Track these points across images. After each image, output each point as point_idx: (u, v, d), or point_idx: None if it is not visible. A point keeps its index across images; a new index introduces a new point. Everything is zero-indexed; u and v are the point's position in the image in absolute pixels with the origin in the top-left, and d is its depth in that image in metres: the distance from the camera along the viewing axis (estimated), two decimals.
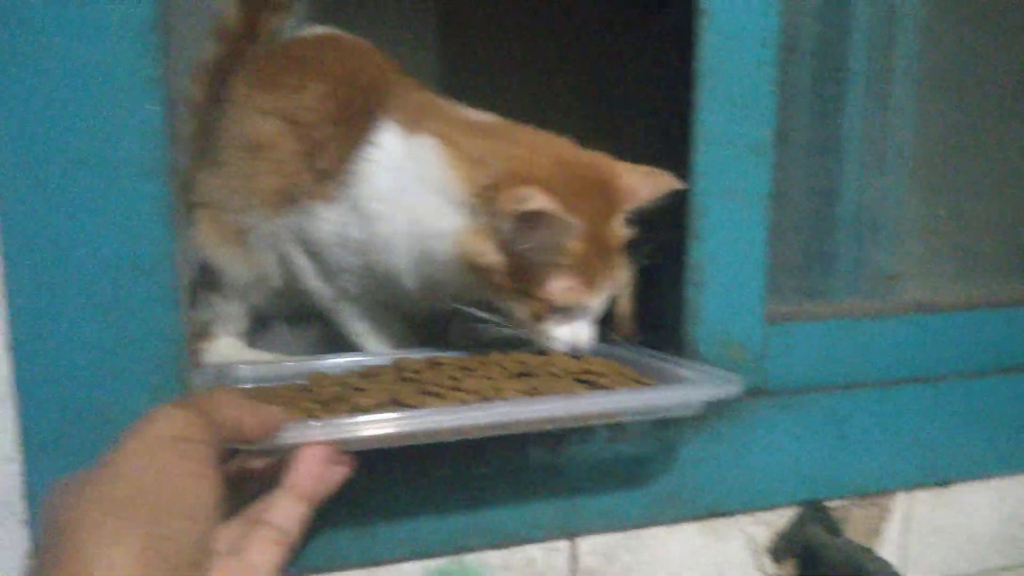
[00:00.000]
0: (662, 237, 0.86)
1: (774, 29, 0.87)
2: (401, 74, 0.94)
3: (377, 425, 0.65)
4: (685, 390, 0.77)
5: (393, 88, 0.89)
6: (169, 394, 0.74)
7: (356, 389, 0.76)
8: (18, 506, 0.73)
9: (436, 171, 0.81)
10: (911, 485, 1.05)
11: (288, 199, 0.87)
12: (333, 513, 0.78)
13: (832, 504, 1.01)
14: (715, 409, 0.89)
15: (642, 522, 0.92)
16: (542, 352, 0.83)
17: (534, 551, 0.89)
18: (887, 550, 1.05)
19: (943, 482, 1.06)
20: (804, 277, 1.04)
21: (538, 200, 0.73)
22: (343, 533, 0.81)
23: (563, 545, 0.90)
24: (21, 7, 0.66)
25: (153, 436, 0.50)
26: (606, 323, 0.88)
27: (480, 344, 0.85)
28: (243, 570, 0.56)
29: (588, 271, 0.79)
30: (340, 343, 0.95)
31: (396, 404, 0.71)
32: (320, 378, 0.79)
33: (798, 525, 0.99)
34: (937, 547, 1.08)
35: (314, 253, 0.88)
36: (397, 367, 0.80)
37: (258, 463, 0.68)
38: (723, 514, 0.96)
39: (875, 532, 1.05)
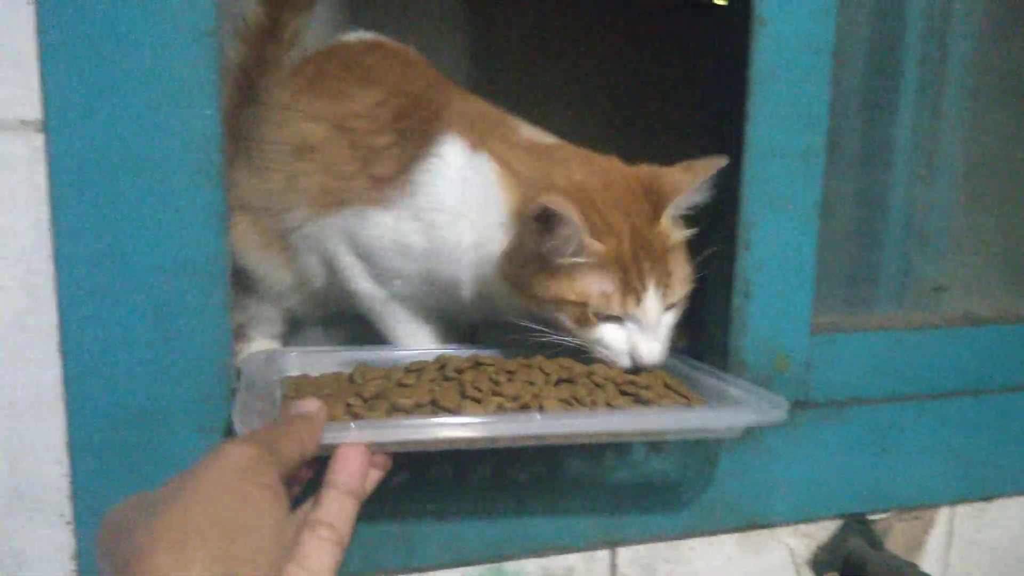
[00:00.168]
0: (710, 246, 0.85)
1: (829, 36, 0.86)
2: (450, 82, 0.94)
3: (412, 430, 0.67)
4: (729, 415, 0.76)
5: (451, 99, 0.89)
6: (218, 398, 0.75)
7: (399, 385, 0.76)
8: (65, 507, 0.73)
9: (491, 191, 0.82)
10: (954, 499, 1.03)
11: (336, 201, 0.87)
12: (373, 518, 0.78)
13: (874, 517, 0.99)
14: None
15: (682, 533, 0.92)
16: (588, 359, 0.81)
17: (574, 560, 0.89)
18: (929, 565, 1.03)
19: (987, 497, 1.04)
20: (850, 287, 1.02)
21: (545, 200, 0.73)
22: (383, 538, 0.81)
23: (603, 555, 0.89)
24: (84, 13, 0.66)
25: (224, 466, 0.52)
26: None
27: (525, 346, 0.84)
28: (304, 575, 0.56)
29: (626, 275, 0.77)
30: (374, 344, 0.94)
31: (435, 406, 0.71)
32: (365, 370, 0.80)
33: (840, 538, 0.98)
34: (979, 562, 1.06)
35: (364, 256, 0.87)
36: (440, 364, 0.80)
37: (305, 470, 0.68)
38: (763, 526, 0.95)
39: (917, 546, 1.03)
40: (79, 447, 0.72)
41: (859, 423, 0.96)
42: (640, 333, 0.79)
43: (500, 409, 0.71)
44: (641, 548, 0.91)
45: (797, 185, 0.88)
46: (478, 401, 0.72)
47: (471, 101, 0.90)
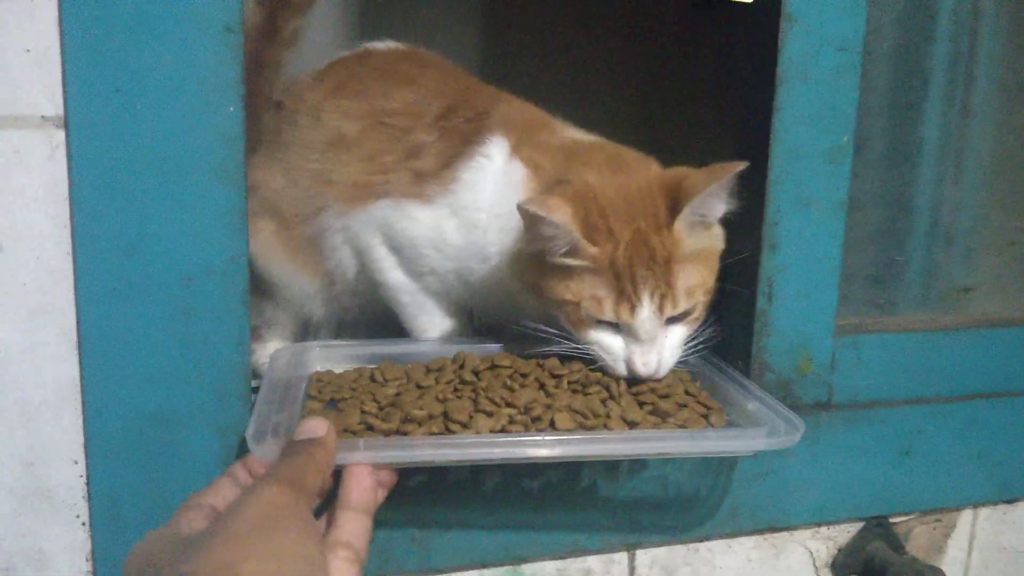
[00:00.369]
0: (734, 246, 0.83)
1: (859, 34, 0.84)
2: (492, 87, 0.93)
3: (415, 450, 0.68)
4: (743, 441, 0.75)
5: (497, 101, 0.89)
6: (235, 399, 0.74)
7: (418, 386, 0.77)
8: (81, 507, 0.73)
9: (519, 195, 0.80)
10: (977, 502, 1.02)
11: (373, 193, 0.86)
12: (390, 519, 0.78)
13: (895, 520, 0.98)
14: None
15: (701, 535, 0.91)
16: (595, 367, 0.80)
17: (592, 562, 0.88)
18: (950, 568, 1.03)
19: (1010, 499, 1.03)
20: (875, 288, 1.01)
21: (522, 202, 0.73)
22: (400, 539, 0.81)
23: (621, 557, 0.89)
24: (106, 8, 0.65)
25: (262, 505, 0.54)
26: None
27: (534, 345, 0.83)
28: None
29: (619, 281, 0.75)
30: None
31: (446, 418, 0.71)
32: (386, 369, 0.81)
33: (861, 541, 0.97)
34: (1001, 566, 1.05)
35: (398, 248, 0.87)
36: (459, 363, 0.81)
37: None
38: (783, 529, 0.94)
39: (938, 549, 1.02)
40: (95, 448, 0.72)
41: (882, 425, 0.94)
42: (636, 343, 0.76)
43: (511, 422, 0.71)
44: (660, 551, 0.90)
45: (824, 185, 0.87)
46: (489, 414, 0.72)
47: (517, 104, 0.90)
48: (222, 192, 0.69)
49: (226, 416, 0.74)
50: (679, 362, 0.80)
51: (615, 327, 0.76)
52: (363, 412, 0.72)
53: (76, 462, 0.72)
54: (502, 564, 0.84)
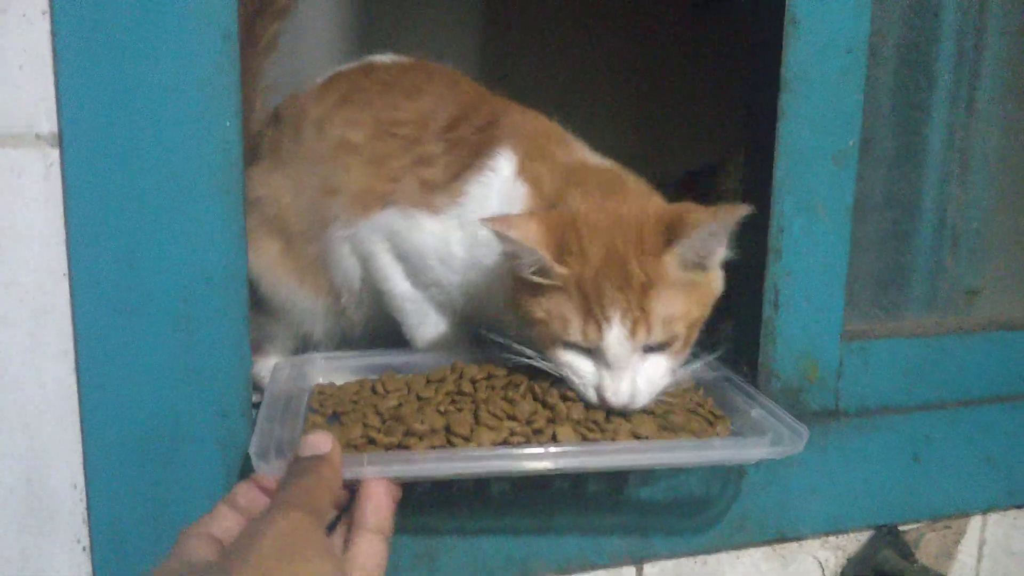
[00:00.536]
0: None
1: (863, 36, 0.83)
2: (501, 97, 0.92)
3: (420, 464, 0.68)
4: (746, 450, 0.74)
5: (508, 112, 0.88)
6: (237, 413, 0.73)
7: (418, 397, 0.77)
8: (81, 531, 0.71)
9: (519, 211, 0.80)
10: (987, 507, 1.01)
11: (379, 200, 0.86)
12: (395, 532, 0.76)
13: (905, 527, 0.97)
14: None
15: (709, 548, 0.90)
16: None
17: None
18: (960, 574, 1.01)
19: (1020, 504, 1.02)
20: (881, 292, 1.00)
21: (482, 221, 0.71)
22: (405, 552, 0.80)
23: (629, 571, 0.87)
24: (99, 23, 0.64)
25: (278, 532, 0.54)
26: None
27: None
28: None
29: (586, 302, 0.72)
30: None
31: (448, 432, 0.71)
32: (388, 380, 0.81)
33: (870, 549, 0.96)
34: (1011, 571, 1.04)
35: (403, 258, 0.86)
36: (457, 373, 0.80)
37: None
38: (792, 539, 0.93)
39: (948, 555, 1.01)
40: (95, 469, 0.70)
41: (890, 432, 0.93)
42: (607, 369, 0.73)
43: (512, 435, 0.71)
44: (668, 563, 0.89)
45: (829, 189, 0.86)
46: (491, 428, 0.71)
47: (528, 114, 0.89)
48: (220, 204, 0.68)
49: (228, 431, 0.73)
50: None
51: (586, 351, 0.74)
52: (365, 426, 0.72)
53: (75, 485, 0.70)
54: None
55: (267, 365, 0.94)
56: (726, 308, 0.82)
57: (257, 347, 0.95)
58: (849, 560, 0.96)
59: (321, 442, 0.63)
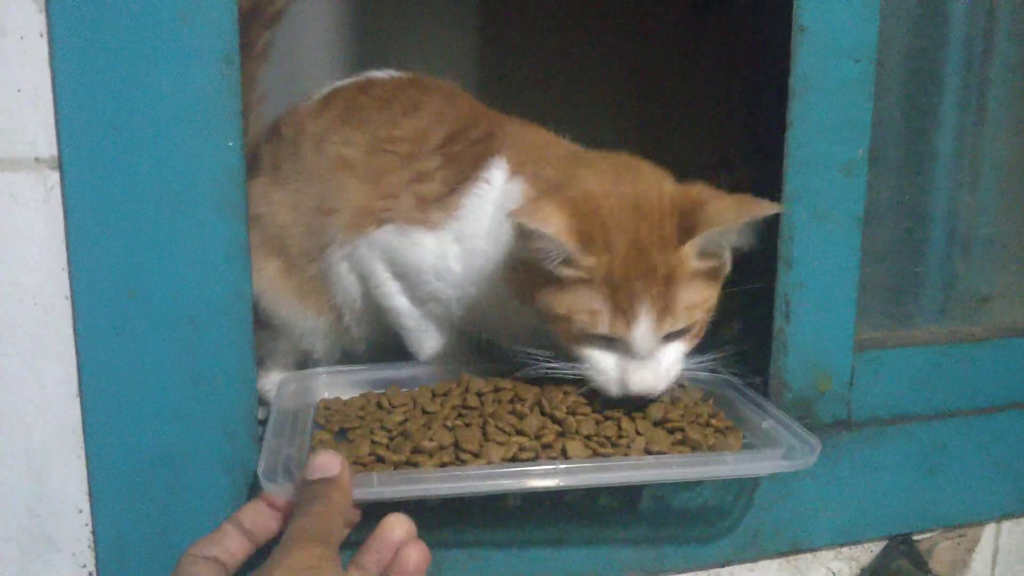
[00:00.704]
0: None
1: (871, 44, 0.82)
2: (498, 112, 0.91)
3: (430, 483, 0.67)
4: (759, 463, 0.73)
5: (502, 124, 0.87)
6: (244, 436, 0.72)
7: (424, 412, 0.77)
8: (87, 556, 0.70)
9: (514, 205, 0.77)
10: (1001, 515, 1.00)
11: (375, 218, 0.85)
12: None
13: (918, 537, 0.96)
14: None
15: (722, 561, 0.89)
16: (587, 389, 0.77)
17: None
18: None
19: None
20: (893, 301, 0.99)
21: (510, 212, 0.70)
22: None
23: None
24: (98, 44, 0.63)
25: (294, 567, 0.54)
26: None
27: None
28: None
29: (616, 295, 0.72)
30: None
31: (457, 448, 0.70)
32: (394, 394, 0.81)
33: (884, 560, 0.95)
34: None
35: (402, 275, 0.85)
36: (463, 387, 0.80)
37: None
38: (805, 550, 0.92)
39: (963, 564, 1.00)
40: (100, 494, 0.69)
41: (904, 441, 0.92)
42: (632, 360, 0.73)
43: (521, 450, 0.70)
44: None
45: (839, 198, 0.85)
46: (500, 443, 0.71)
47: (526, 128, 0.88)
48: (224, 226, 0.67)
49: (234, 454, 0.72)
50: (694, 382, 0.79)
51: (609, 343, 0.74)
52: (373, 443, 0.72)
53: (80, 511, 0.69)
54: None
55: (269, 380, 0.94)
56: (731, 310, 0.81)
57: (259, 362, 0.94)
58: (863, 571, 0.95)
59: (330, 464, 0.62)
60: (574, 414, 0.75)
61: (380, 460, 0.69)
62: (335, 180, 0.86)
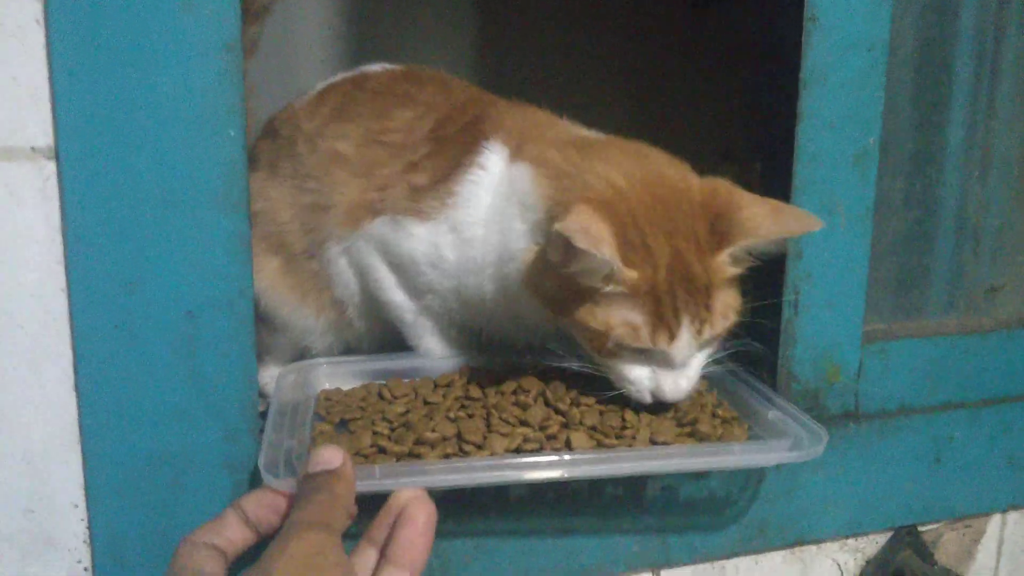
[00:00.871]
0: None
1: (884, 34, 0.81)
2: (492, 95, 0.89)
3: (433, 475, 0.66)
4: (766, 454, 0.72)
5: (495, 105, 0.85)
6: (244, 433, 0.71)
7: (426, 403, 0.76)
8: (83, 552, 0.69)
9: (526, 195, 0.75)
10: (1007, 507, 1.00)
11: (369, 211, 0.83)
12: None
13: (924, 528, 0.96)
14: None
15: (728, 553, 0.88)
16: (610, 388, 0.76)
17: None
18: (979, 574, 1.00)
19: None
20: (901, 293, 0.98)
21: (563, 227, 0.65)
22: None
23: None
24: (96, 32, 0.62)
25: (297, 555, 0.54)
26: None
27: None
28: None
29: (659, 308, 0.69)
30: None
31: (460, 439, 0.70)
32: (394, 386, 0.80)
33: (889, 551, 0.95)
34: None
35: (397, 267, 0.84)
36: (465, 378, 0.80)
37: None
38: (811, 542, 0.92)
39: (968, 555, 1.00)
40: (97, 492, 0.68)
41: (911, 433, 0.92)
42: (666, 370, 0.72)
43: (526, 441, 0.70)
44: (687, 570, 0.87)
45: (849, 190, 0.84)
46: (504, 434, 0.70)
47: (516, 107, 0.85)
48: (225, 220, 0.66)
49: (235, 452, 0.71)
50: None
51: (644, 353, 0.72)
52: (375, 434, 0.71)
53: (77, 507, 0.68)
54: None
55: (267, 374, 0.93)
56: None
57: (257, 357, 0.93)
58: (868, 562, 0.95)
59: (332, 456, 0.61)
60: (578, 405, 0.74)
61: (382, 451, 0.69)
62: (330, 175, 0.85)
